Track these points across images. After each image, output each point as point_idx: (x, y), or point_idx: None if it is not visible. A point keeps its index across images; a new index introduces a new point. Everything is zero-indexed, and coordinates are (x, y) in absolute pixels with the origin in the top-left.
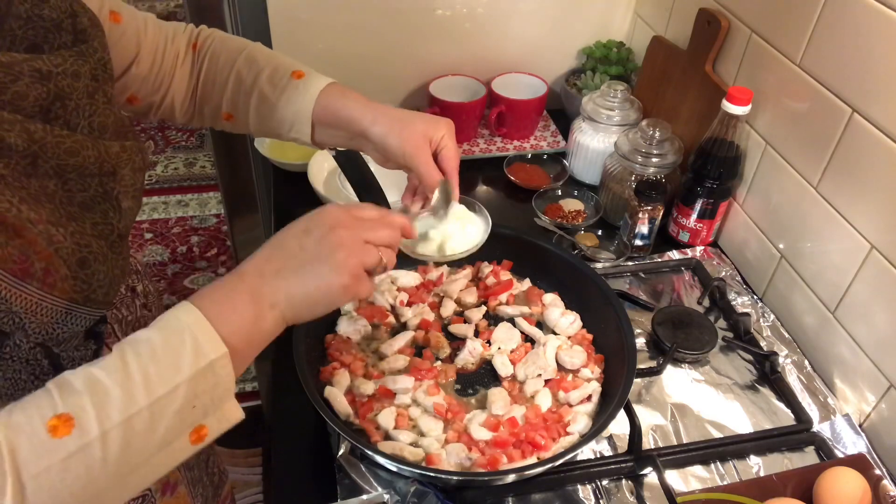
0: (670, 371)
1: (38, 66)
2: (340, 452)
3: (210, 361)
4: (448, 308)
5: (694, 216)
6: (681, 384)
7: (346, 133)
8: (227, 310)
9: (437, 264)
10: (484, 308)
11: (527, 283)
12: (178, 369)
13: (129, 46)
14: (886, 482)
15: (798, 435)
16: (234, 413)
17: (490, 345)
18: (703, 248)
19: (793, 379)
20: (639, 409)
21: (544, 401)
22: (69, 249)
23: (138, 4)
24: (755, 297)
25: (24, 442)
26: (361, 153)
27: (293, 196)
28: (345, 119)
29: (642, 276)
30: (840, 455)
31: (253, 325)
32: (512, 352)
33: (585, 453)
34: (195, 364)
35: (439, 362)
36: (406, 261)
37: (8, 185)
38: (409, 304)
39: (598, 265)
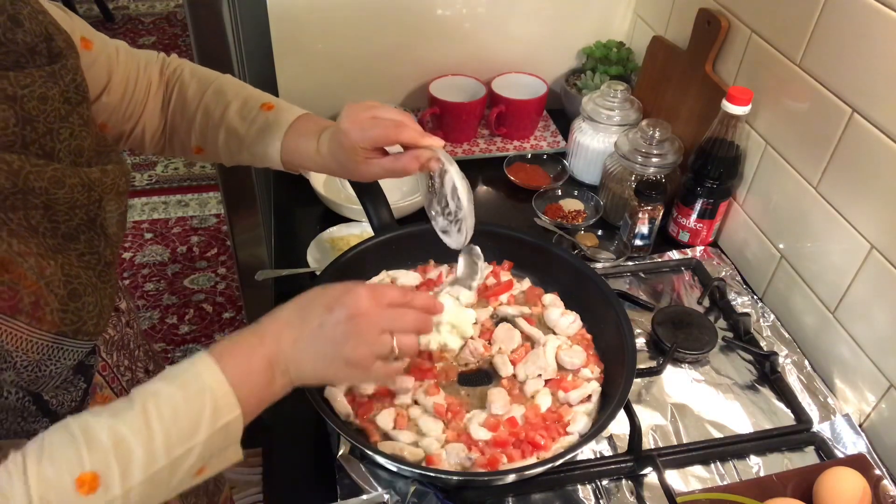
0: (670, 371)
1: (3, 87)
2: (340, 452)
3: (226, 423)
4: None
5: (694, 216)
6: (681, 384)
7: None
8: (244, 371)
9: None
10: (491, 309)
11: (527, 283)
12: (196, 431)
13: (100, 74)
14: (886, 482)
15: (798, 435)
16: (235, 456)
17: (490, 345)
18: (703, 248)
19: (793, 379)
20: (639, 409)
21: (544, 401)
22: (59, 282)
23: (139, 4)
24: (755, 297)
25: (53, 498)
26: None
27: (293, 196)
28: (307, 165)
29: (642, 276)
30: (840, 455)
31: (265, 388)
32: (512, 352)
33: (585, 453)
34: (212, 426)
35: (440, 362)
36: (406, 261)
37: None
38: None
39: (598, 265)
